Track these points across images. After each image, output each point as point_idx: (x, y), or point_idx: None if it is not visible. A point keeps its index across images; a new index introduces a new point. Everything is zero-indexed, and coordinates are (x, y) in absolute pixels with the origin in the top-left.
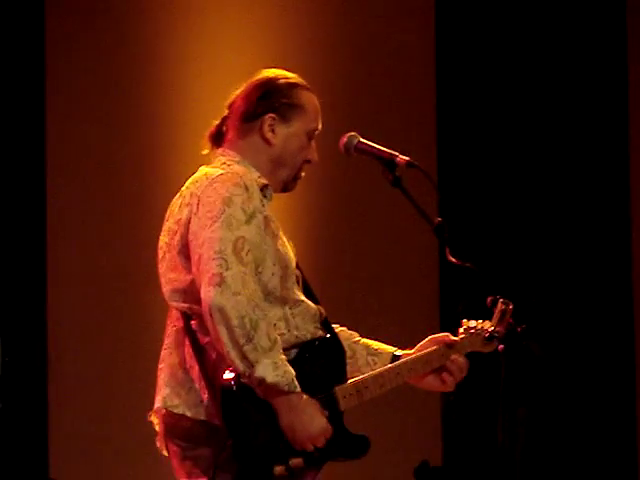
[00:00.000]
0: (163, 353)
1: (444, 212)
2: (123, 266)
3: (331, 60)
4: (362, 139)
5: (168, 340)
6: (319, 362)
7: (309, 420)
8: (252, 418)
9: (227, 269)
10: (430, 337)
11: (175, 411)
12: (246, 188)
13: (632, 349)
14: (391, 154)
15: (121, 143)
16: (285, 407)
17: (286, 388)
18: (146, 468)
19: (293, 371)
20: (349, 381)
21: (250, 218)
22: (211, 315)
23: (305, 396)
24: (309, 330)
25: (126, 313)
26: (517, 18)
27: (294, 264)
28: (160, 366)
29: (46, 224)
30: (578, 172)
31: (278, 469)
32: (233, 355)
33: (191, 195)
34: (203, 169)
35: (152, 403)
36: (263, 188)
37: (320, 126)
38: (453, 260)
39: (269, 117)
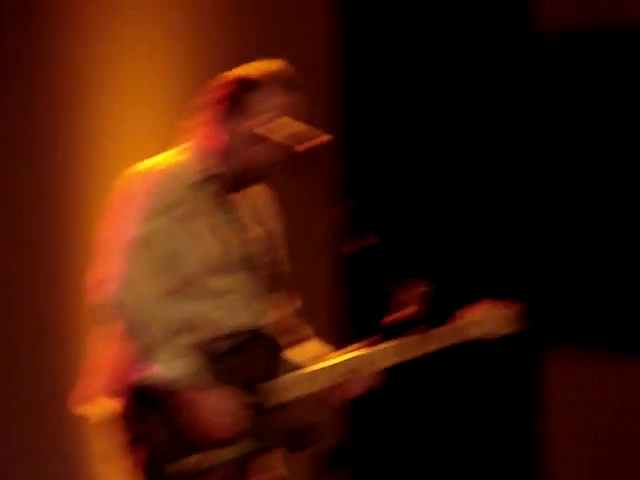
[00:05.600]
0: None
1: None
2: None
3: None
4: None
5: None
6: (247, 356)
7: (208, 417)
8: (149, 418)
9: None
10: None
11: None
12: (156, 195)
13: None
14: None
15: (39, 150)
16: (177, 405)
17: (177, 386)
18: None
19: (186, 368)
20: (282, 377)
21: (158, 215)
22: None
23: (202, 393)
24: (237, 322)
25: None
26: None
27: (229, 257)
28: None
29: None
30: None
31: (168, 468)
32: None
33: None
34: (159, 157)
35: None
36: (207, 180)
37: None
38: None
39: (217, 112)
